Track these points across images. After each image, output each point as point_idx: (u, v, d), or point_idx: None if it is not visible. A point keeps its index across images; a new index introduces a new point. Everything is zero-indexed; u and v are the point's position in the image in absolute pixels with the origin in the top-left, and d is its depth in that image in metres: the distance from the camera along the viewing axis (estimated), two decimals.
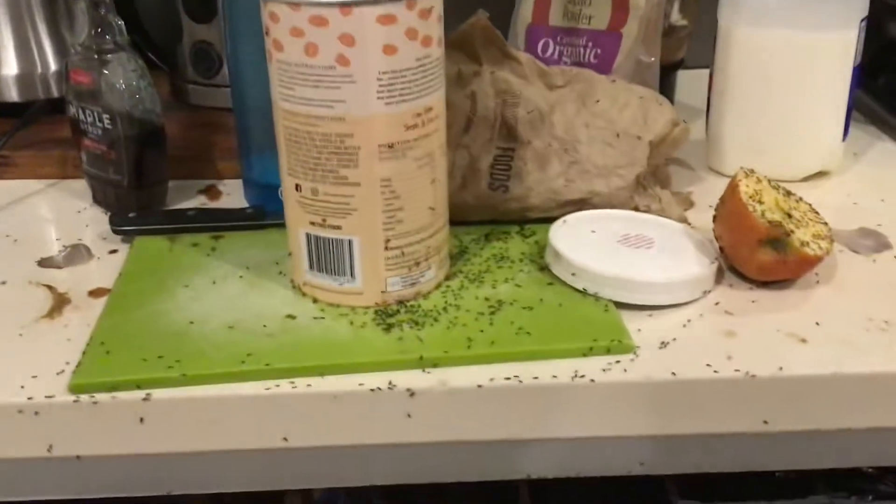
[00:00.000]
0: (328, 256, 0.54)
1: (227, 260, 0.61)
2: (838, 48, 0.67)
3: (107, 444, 0.49)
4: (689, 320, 0.54)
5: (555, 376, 0.49)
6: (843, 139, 0.71)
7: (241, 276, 0.58)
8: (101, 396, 0.48)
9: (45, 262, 0.62)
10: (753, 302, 0.56)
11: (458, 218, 0.64)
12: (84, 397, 0.48)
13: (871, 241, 0.62)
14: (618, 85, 0.68)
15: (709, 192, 0.69)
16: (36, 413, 0.47)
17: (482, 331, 0.52)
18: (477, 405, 0.49)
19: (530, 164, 0.64)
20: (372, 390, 0.48)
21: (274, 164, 0.55)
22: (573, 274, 0.56)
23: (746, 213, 0.55)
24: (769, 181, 0.60)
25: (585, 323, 0.53)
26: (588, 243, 0.58)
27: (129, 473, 0.51)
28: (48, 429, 0.48)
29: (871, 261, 0.60)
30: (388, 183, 0.51)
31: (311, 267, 0.55)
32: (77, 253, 0.63)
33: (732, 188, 0.57)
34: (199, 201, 0.71)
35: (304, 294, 0.56)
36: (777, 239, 0.55)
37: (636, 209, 0.65)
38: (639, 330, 0.53)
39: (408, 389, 0.48)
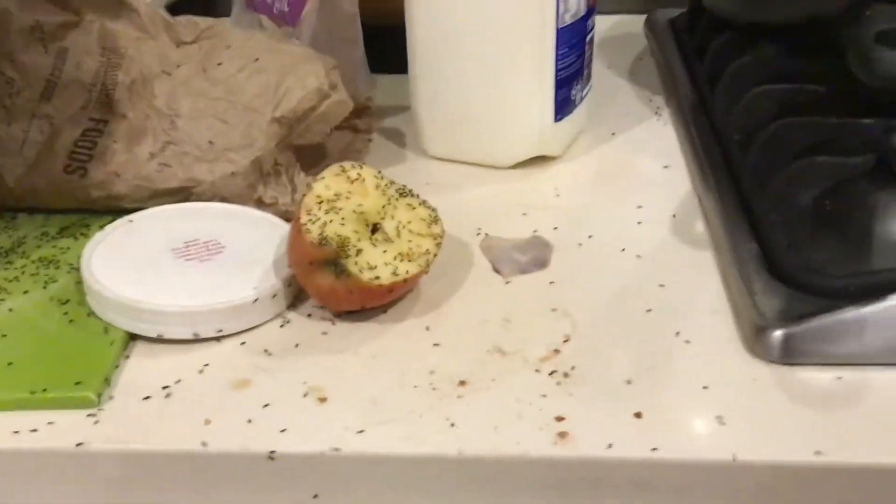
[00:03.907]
0: None
1: None
2: (530, 3, 0.52)
3: None
4: (207, 363, 0.42)
5: None
6: (559, 118, 0.57)
7: None
8: None
9: None
10: (309, 340, 0.43)
11: (36, 204, 0.52)
12: None
13: (526, 258, 0.49)
14: (261, 43, 0.54)
15: (403, 181, 0.51)
16: None
17: None
18: None
19: (120, 142, 0.52)
20: None
21: None
22: (88, 292, 0.44)
23: (297, 227, 0.43)
24: (380, 179, 0.46)
25: (63, 362, 0.41)
26: (131, 251, 0.46)
27: None
28: None
29: (504, 284, 0.47)
30: None
31: None
32: None
33: (307, 191, 0.45)
34: None
35: None
36: (334, 261, 0.42)
37: (260, 202, 0.52)
38: (138, 374, 0.41)
39: None
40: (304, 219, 0.43)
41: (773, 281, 0.44)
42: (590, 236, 0.51)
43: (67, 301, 0.45)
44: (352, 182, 0.45)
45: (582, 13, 0.55)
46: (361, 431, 0.37)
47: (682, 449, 0.36)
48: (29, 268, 0.48)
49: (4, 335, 0.43)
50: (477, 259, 0.49)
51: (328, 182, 0.45)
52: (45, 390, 0.39)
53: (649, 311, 0.44)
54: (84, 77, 0.53)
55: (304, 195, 0.44)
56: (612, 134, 0.63)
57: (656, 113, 0.66)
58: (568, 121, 0.58)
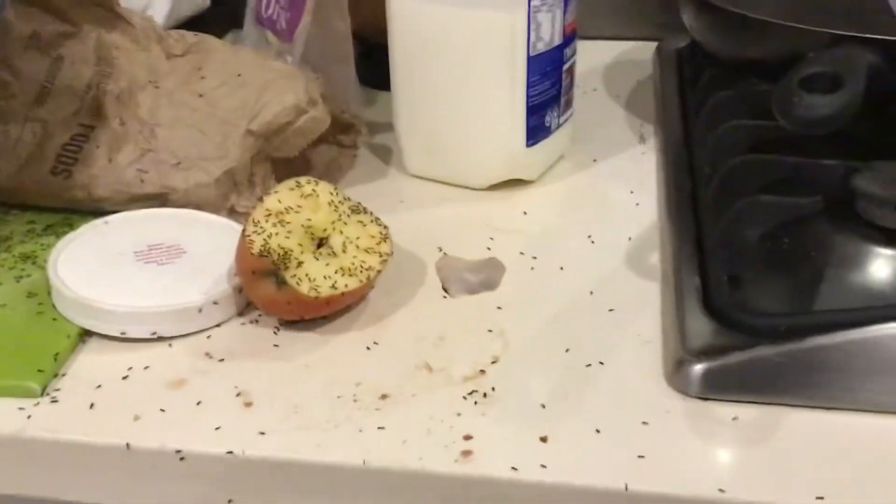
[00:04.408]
0: None
1: None
2: (500, 32, 0.54)
3: None
4: (150, 362, 0.44)
5: None
6: (531, 143, 0.58)
7: None
8: None
9: None
10: (249, 346, 0.45)
11: (23, 201, 0.56)
12: None
13: (477, 279, 0.50)
14: (245, 59, 0.57)
15: (379, 197, 0.56)
16: None
17: None
18: None
19: (103, 148, 0.54)
20: None
21: None
22: (50, 288, 0.47)
23: (242, 237, 0.45)
24: (335, 196, 0.48)
25: (16, 353, 0.44)
26: (96, 252, 0.49)
27: None
28: None
29: (449, 303, 0.48)
30: None
31: None
32: None
33: (257, 204, 0.47)
34: None
35: None
36: (275, 272, 0.44)
37: (233, 211, 0.55)
38: (85, 369, 0.44)
39: None
40: (248, 230, 0.45)
41: (706, 316, 0.44)
42: (542, 260, 0.52)
43: (36, 296, 0.48)
44: (304, 197, 0.47)
45: (556, 42, 0.56)
46: (274, 436, 0.39)
47: (577, 475, 0.37)
48: (8, 262, 0.51)
49: None
50: (430, 277, 0.51)
51: (280, 196, 0.47)
52: None
53: (583, 337, 0.45)
54: (77, 84, 0.56)
55: (258, 206, 0.46)
56: (594, 161, 0.64)
57: (643, 142, 0.66)
58: (542, 146, 0.59)
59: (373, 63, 0.67)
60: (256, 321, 0.47)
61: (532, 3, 0.53)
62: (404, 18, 0.57)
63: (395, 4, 0.57)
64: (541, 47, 0.55)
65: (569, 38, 0.58)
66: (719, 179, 0.52)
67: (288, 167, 0.58)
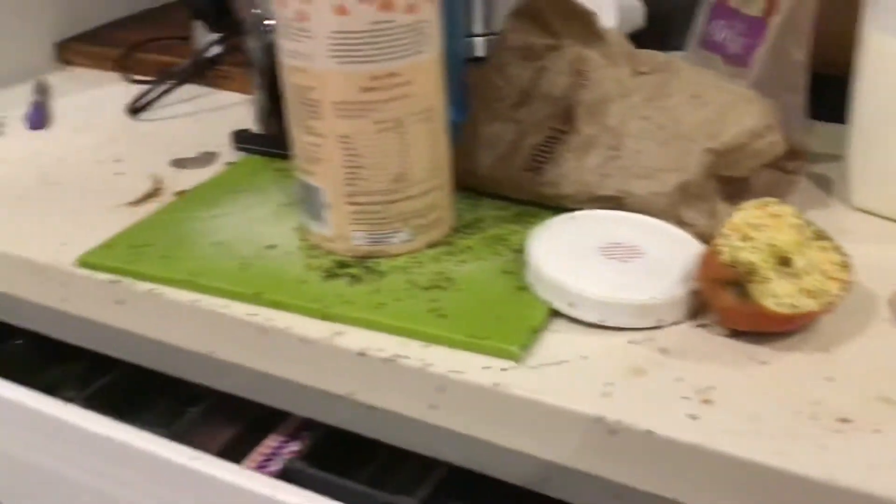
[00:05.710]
0: (308, 200, 0.58)
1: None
2: None
3: (95, 313, 0.59)
4: (611, 348, 0.48)
5: (422, 360, 0.48)
6: None
7: (286, 205, 0.64)
8: (98, 275, 0.58)
9: (177, 162, 0.75)
10: (703, 348, 0.48)
11: (495, 191, 0.63)
12: (83, 271, 0.59)
13: None
14: (707, 80, 0.60)
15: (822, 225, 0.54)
16: (45, 272, 0.60)
17: (399, 300, 0.53)
18: (337, 364, 0.51)
19: (573, 150, 0.60)
20: (260, 324, 0.53)
21: None
22: (527, 269, 0.53)
23: (713, 247, 0.48)
24: (799, 219, 0.50)
25: (498, 320, 0.50)
26: (567, 243, 0.54)
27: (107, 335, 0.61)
28: (56, 286, 0.60)
29: None
30: (347, 140, 0.54)
31: (302, 207, 0.59)
32: (205, 159, 0.75)
33: (730, 218, 0.49)
34: None
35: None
36: (739, 283, 0.47)
37: (681, 221, 0.58)
38: (553, 343, 0.49)
39: (298, 334, 0.52)
40: (720, 241, 0.48)
41: None
42: None
43: (510, 273, 0.55)
44: (771, 217, 0.49)
45: None
46: (737, 437, 0.42)
47: None
48: (485, 241, 0.58)
49: (461, 290, 0.53)
50: (882, 311, 0.50)
51: (750, 213, 0.49)
52: (485, 338, 0.49)
53: None
54: (553, 93, 0.62)
55: (728, 220, 0.49)
56: None
57: None
58: None
59: (817, 93, 0.67)
60: (705, 327, 0.50)
61: None
62: (879, 52, 0.56)
63: (871, 38, 0.56)
64: None
65: None
66: None
67: (727, 186, 0.60)
